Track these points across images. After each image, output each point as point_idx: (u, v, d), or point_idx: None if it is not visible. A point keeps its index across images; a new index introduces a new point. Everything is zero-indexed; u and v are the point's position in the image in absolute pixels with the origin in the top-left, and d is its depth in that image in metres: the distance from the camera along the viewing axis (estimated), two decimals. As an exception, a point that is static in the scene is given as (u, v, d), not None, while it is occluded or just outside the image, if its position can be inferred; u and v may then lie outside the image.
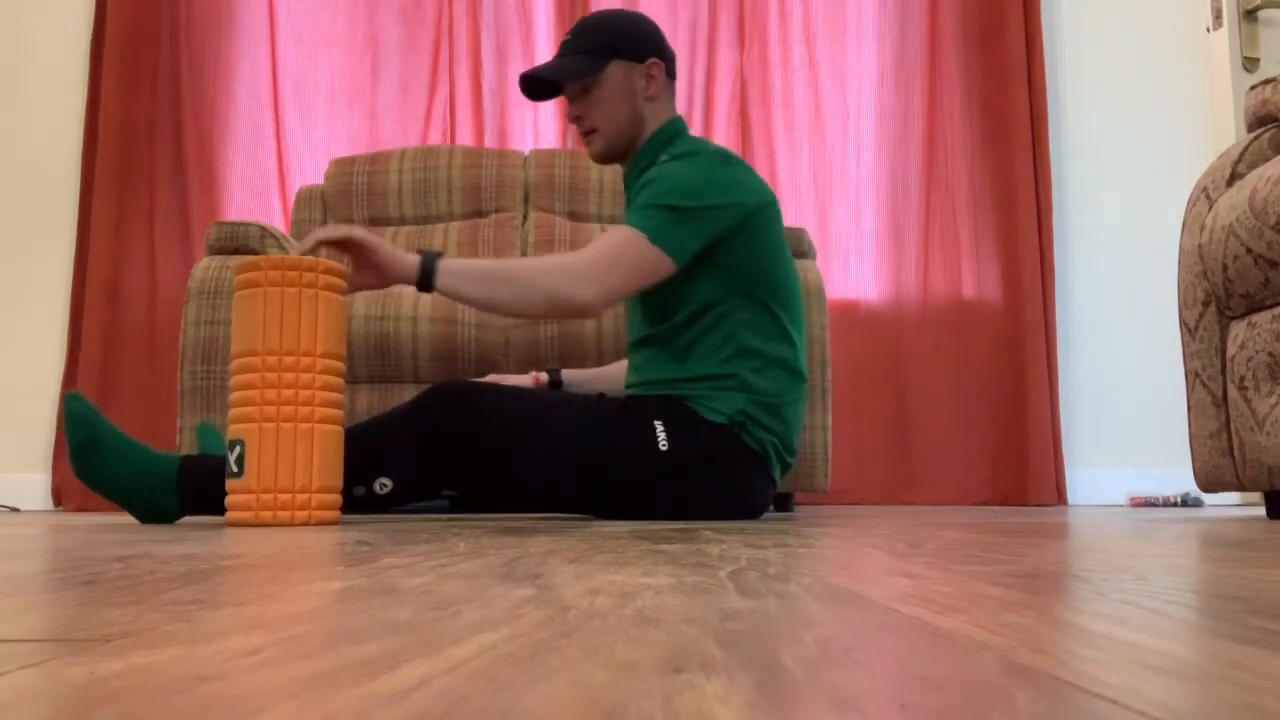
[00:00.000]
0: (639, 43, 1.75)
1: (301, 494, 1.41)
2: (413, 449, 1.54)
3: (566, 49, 1.75)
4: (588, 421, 1.62)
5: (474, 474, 1.58)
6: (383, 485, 1.53)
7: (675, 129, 1.78)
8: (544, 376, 1.90)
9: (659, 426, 1.62)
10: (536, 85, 1.76)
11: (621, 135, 1.75)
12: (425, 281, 1.53)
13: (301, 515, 1.40)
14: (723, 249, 1.66)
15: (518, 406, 1.59)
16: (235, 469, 1.42)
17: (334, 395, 1.46)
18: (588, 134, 1.76)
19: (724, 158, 1.69)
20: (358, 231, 1.52)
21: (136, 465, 1.52)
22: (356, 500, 1.55)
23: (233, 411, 1.44)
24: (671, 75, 1.80)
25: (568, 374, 1.92)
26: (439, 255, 1.54)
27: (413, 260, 1.53)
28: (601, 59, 1.73)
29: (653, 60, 1.76)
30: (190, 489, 1.53)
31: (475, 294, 1.55)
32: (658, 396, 1.67)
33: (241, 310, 1.45)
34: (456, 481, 1.59)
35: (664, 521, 1.63)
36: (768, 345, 1.69)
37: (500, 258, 1.58)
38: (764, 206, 1.69)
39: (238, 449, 1.42)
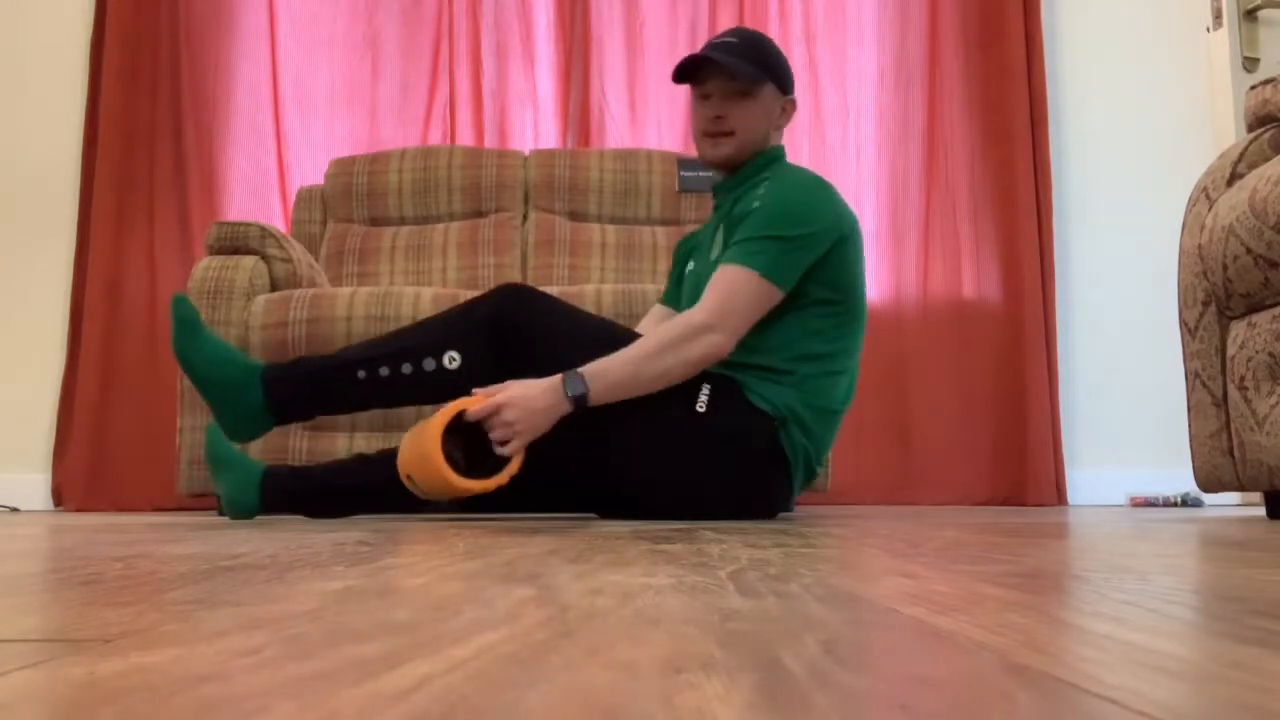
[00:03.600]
0: (788, 77, 1.83)
1: None
2: (479, 325, 1.62)
3: (730, 50, 1.76)
4: None
5: (527, 360, 1.62)
6: (451, 359, 1.60)
7: (777, 154, 1.84)
8: None
9: (705, 389, 1.66)
10: (692, 66, 1.77)
11: (749, 148, 1.80)
12: (580, 401, 1.59)
13: None
14: (811, 266, 1.71)
15: (582, 315, 1.70)
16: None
17: None
18: (723, 134, 1.78)
19: (819, 183, 1.75)
20: (496, 398, 1.56)
21: (229, 356, 1.61)
22: (428, 375, 1.59)
23: None
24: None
25: None
26: (576, 375, 1.58)
27: (555, 385, 1.57)
28: (764, 74, 1.77)
29: (792, 98, 1.84)
30: (276, 381, 1.59)
31: (630, 394, 1.62)
32: (713, 372, 1.70)
33: None
34: (511, 367, 1.63)
35: (670, 515, 1.64)
36: (830, 357, 1.73)
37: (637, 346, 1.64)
38: (853, 233, 1.75)
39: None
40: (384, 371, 1.59)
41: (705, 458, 1.65)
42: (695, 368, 1.63)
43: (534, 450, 1.62)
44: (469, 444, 1.55)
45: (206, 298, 2.22)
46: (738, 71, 1.73)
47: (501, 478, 1.55)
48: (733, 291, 1.64)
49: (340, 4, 3.25)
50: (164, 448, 2.92)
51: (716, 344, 1.62)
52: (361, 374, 1.59)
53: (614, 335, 1.68)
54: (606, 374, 1.60)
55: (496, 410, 1.56)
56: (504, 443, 1.56)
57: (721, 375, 1.69)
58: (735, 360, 1.70)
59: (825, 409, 1.72)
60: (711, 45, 1.79)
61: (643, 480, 1.67)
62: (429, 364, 1.59)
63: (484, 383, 1.60)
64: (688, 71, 1.78)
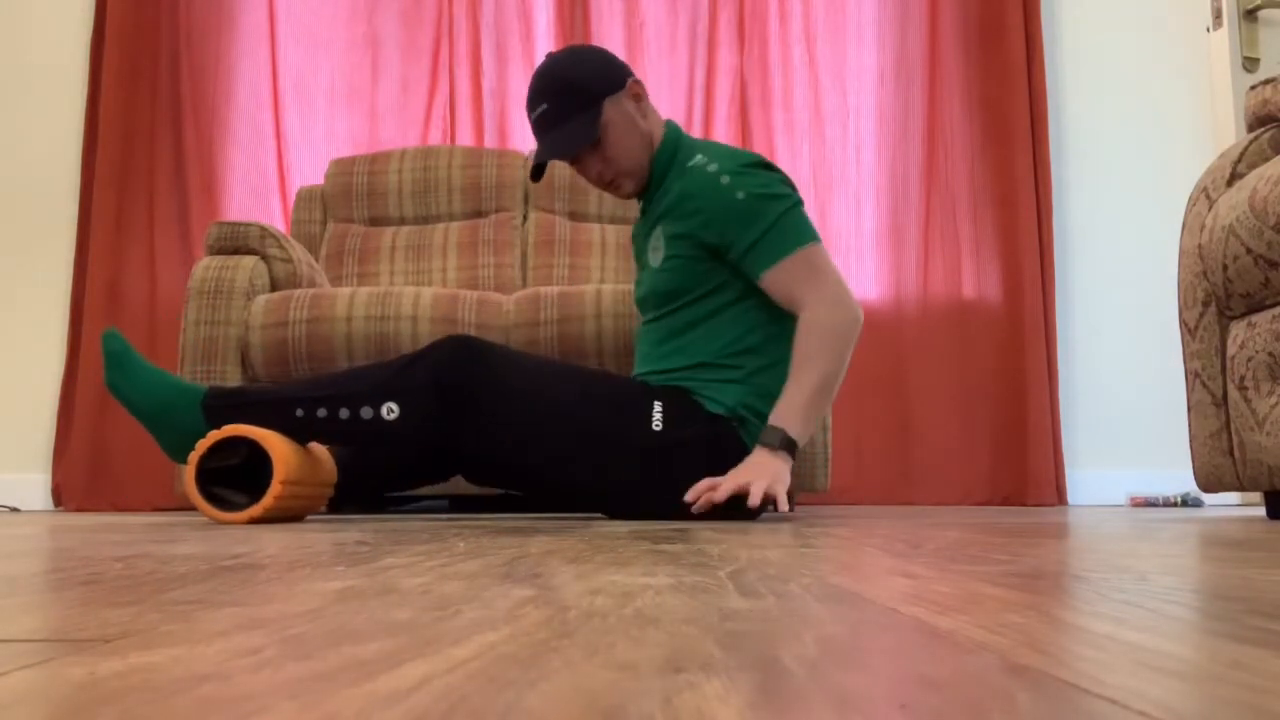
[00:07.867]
0: (610, 73, 1.76)
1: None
2: (423, 383, 1.58)
3: (551, 120, 1.73)
4: (589, 388, 1.66)
5: (473, 418, 1.61)
6: (390, 410, 1.57)
7: (676, 135, 1.82)
8: None
9: (657, 407, 1.65)
10: (539, 167, 1.78)
11: (643, 163, 1.78)
12: (792, 445, 1.59)
13: None
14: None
15: (523, 363, 1.65)
16: None
17: None
18: (613, 182, 1.77)
19: (750, 154, 1.74)
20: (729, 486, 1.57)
21: (164, 381, 1.60)
22: (364, 423, 1.57)
23: None
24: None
25: None
26: (772, 430, 1.59)
27: (763, 455, 1.58)
28: (594, 108, 1.73)
29: (629, 83, 1.77)
30: (216, 409, 1.58)
31: (823, 409, 1.63)
32: (663, 385, 1.70)
33: None
34: (455, 425, 1.61)
35: (653, 513, 1.64)
36: (772, 344, 1.72)
37: (805, 367, 1.64)
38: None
39: None
40: (321, 413, 1.57)
41: (675, 474, 1.64)
42: (853, 344, 1.65)
43: (532, 465, 1.64)
44: (230, 475, 1.54)
45: (206, 298, 2.22)
46: (567, 152, 1.72)
47: (266, 500, 1.49)
48: (813, 272, 1.65)
49: (340, 4, 3.26)
50: (164, 448, 2.92)
51: (854, 318, 1.63)
52: (299, 413, 1.57)
53: (566, 378, 1.66)
54: (795, 413, 1.59)
55: (745, 488, 1.56)
56: (764, 502, 1.58)
57: (669, 388, 1.68)
58: (679, 366, 1.70)
59: (776, 395, 1.71)
60: (534, 124, 1.75)
61: (621, 504, 1.67)
62: (366, 413, 1.57)
63: (425, 436, 1.59)
64: (541, 169, 1.78)
